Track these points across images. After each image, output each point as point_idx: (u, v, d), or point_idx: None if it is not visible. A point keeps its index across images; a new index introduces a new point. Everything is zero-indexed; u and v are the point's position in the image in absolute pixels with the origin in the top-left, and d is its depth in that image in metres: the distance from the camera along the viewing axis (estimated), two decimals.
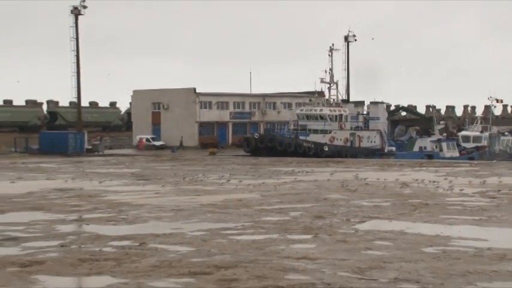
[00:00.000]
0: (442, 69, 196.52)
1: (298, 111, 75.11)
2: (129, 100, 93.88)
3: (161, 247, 14.90)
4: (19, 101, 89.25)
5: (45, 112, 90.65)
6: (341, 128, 71.84)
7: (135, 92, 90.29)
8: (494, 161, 59.55)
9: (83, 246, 15.24)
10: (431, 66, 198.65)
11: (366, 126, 74.44)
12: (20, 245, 15.45)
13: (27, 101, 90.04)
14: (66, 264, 13.06)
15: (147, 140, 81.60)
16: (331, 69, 76.01)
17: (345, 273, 12.08)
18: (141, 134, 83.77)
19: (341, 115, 72.87)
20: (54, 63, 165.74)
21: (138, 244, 15.27)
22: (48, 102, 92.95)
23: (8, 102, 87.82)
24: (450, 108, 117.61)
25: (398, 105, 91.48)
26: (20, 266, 12.94)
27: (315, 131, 70.15)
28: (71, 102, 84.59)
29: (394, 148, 72.22)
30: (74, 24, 73.19)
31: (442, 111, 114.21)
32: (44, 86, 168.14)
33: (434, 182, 32.83)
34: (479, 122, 79.92)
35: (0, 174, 40.79)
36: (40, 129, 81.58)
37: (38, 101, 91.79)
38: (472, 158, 66.27)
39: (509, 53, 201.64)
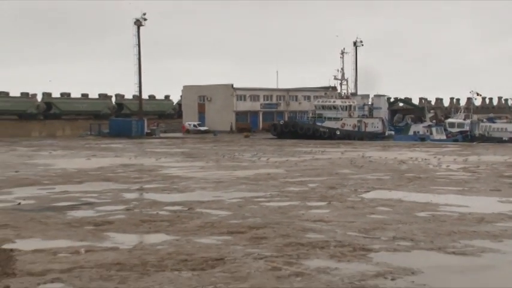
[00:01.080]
0: (433, 68, 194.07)
1: (315, 103, 74.80)
2: (180, 93, 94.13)
3: (205, 211, 14.95)
4: (93, 94, 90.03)
5: (114, 103, 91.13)
6: (350, 116, 71.42)
7: (184, 87, 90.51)
8: (474, 143, 58.88)
9: (143, 210, 15.35)
10: (424, 65, 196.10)
11: (371, 115, 73.84)
12: (94, 208, 15.60)
13: (99, 95, 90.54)
14: (130, 224, 13.18)
15: (194, 125, 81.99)
16: (342, 69, 75.71)
17: (353, 232, 12.04)
18: (189, 121, 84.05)
19: (350, 105, 72.44)
20: (121, 64, 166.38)
21: (187, 209, 15.33)
22: (116, 95, 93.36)
23: (84, 95, 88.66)
24: (439, 100, 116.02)
25: (397, 98, 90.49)
26: (94, 225, 13.08)
27: (329, 119, 69.95)
28: (134, 95, 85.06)
29: (393, 132, 71.63)
30: (137, 33, 73.57)
31: (433, 103, 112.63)
32: (113, 82, 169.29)
33: (425, 159, 32.54)
34: (462, 111, 79.00)
35: (79, 152, 41.30)
36: (110, 116, 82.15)
37: (108, 94, 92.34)
38: (456, 141, 65.49)
39: (490, 55, 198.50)
